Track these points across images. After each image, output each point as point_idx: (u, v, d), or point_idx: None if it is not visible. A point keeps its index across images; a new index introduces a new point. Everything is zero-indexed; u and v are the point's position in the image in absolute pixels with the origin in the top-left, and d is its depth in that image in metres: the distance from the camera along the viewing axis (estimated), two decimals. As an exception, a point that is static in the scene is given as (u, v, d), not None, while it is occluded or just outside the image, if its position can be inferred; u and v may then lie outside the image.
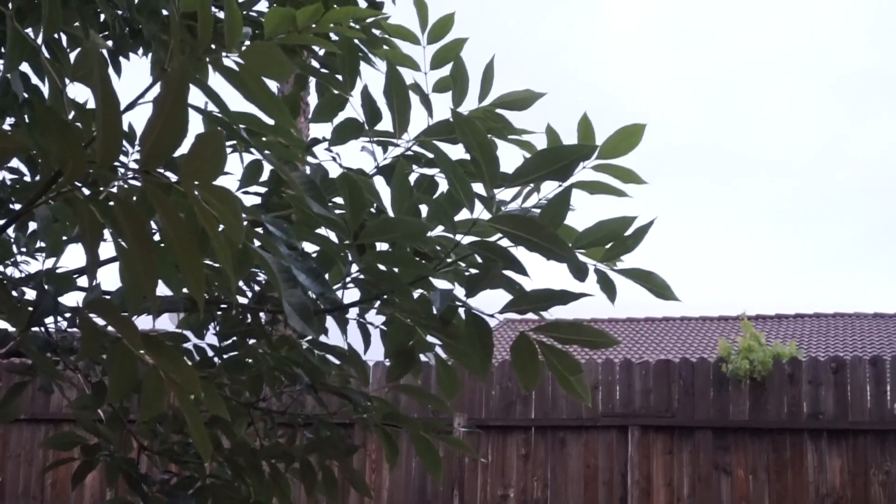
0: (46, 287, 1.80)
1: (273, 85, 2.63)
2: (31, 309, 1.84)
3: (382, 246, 1.85)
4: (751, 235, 56.35)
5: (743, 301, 47.61)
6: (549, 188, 1.75)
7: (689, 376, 7.96)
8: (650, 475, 7.86)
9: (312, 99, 4.10)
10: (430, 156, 2.22)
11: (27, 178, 2.56)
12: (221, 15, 1.75)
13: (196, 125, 1.94)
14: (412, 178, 2.17)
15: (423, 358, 2.11)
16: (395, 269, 1.80)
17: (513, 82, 2.36)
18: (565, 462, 8.06)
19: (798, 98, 69.05)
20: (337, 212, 1.86)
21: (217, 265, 1.97)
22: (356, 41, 2.30)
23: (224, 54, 1.62)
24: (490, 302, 1.84)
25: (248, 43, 1.70)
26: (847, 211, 60.52)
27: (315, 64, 2.81)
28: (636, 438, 7.90)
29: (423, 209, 1.90)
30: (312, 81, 2.85)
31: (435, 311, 1.70)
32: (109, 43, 2.77)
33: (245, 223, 1.63)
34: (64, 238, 2.24)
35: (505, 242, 1.70)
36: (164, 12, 2.71)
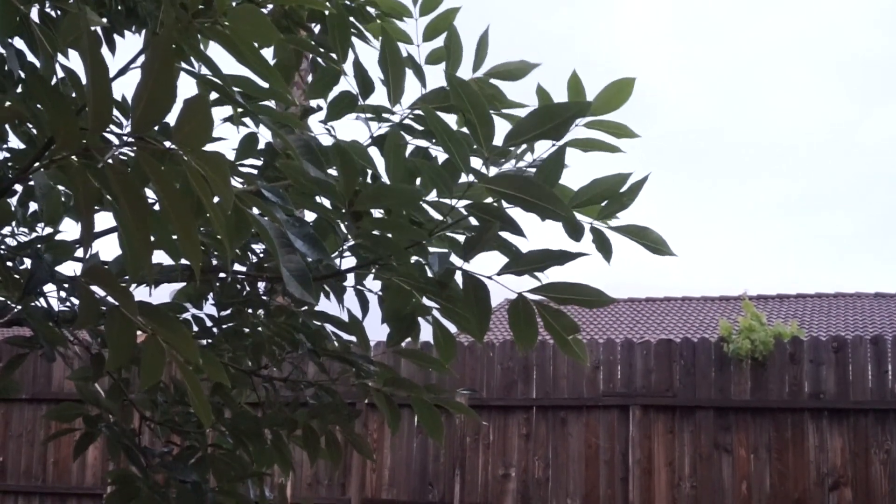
0: (42, 256, 1.80)
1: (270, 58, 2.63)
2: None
3: (378, 214, 1.85)
4: (755, 219, 56.45)
5: (744, 282, 47.69)
6: (542, 150, 1.75)
7: (691, 356, 7.97)
8: (651, 454, 7.88)
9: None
10: (423, 128, 2.23)
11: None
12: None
13: (192, 90, 1.94)
14: (407, 149, 2.17)
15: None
16: (391, 236, 1.80)
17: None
18: (566, 441, 8.08)
19: (807, 86, 69.02)
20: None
21: (218, 235, 1.98)
22: (349, 16, 2.29)
23: (215, 21, 1.62)
24: (488, 275, 1.84)
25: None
26: (853, 198, 60.54)
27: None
28: (637, 418, 7.91)
29: (418, 181, 1.90)
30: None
31: (432, 274, 1.70)
32: (104, 20, 2.77)
33: (243, 189, 1.64)
34: (62, 207, 2.24)
35: (500, 206, 1.70)
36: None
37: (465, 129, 1.85)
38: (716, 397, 7.84)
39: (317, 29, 2.81)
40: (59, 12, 2.36)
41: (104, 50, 2.77)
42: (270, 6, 2.48)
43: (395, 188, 1.80)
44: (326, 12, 2.32)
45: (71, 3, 2.38)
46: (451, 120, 2.07)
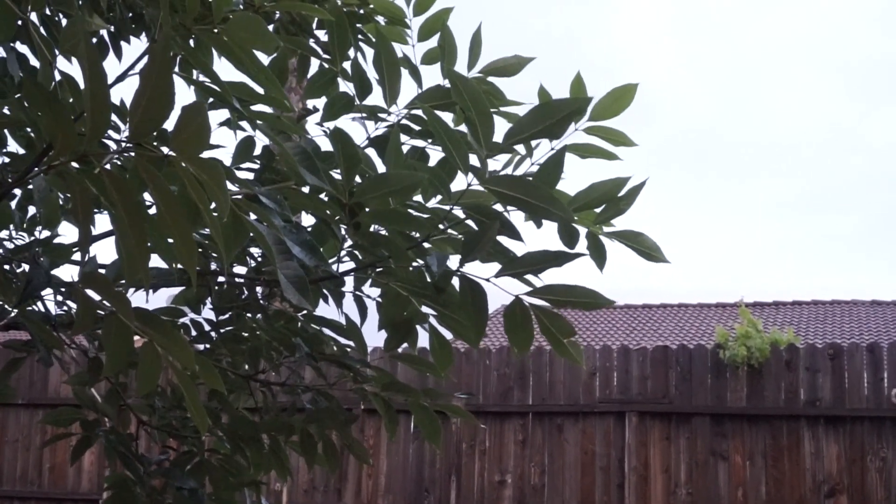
0: (39, 260, 1.80)
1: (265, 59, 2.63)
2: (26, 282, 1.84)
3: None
4: (754, 220, 56.49)
5: (741, 288, 47.68)
6: (541, 155, 1.75)
7: (687, 363, 7.97)
8: (647, 461, 7.87)
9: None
10: (420, 129, 2.23)
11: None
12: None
13: (190, 97, 1.95)
14: (403, 149, 2.17)
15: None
16: (389, 235, 1.79)
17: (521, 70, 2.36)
18: (563, 448, 8.07)
19: (807, 86, 69.04)
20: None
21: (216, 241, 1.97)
22: (347, 17, 2.30)
23: (213, 27, 1.62)
24: (485, 277, 1.84)
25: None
26: (853, 200, 60.61)
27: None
28: (633, 424, 7.91)
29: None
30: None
31: (430, 277, 1.70)
32: (112, 27, 2.77)
33: (240, 196, 1.64)
34: (60, 209, 2.24)
35: (498, 209, 1.70)
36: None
37: (462, 128, 1.86)
38: (712, 404, 7.84)
39: (325, 37, 2.81)
40: (60, 16, 2.37)
41: (111, 56, 2.77)
42: (278, 14, 2.49)
43: (394, 174, 1.78)
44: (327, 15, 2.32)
45: (78, 5, 2.38)
46: (447, 118, 2.07)
